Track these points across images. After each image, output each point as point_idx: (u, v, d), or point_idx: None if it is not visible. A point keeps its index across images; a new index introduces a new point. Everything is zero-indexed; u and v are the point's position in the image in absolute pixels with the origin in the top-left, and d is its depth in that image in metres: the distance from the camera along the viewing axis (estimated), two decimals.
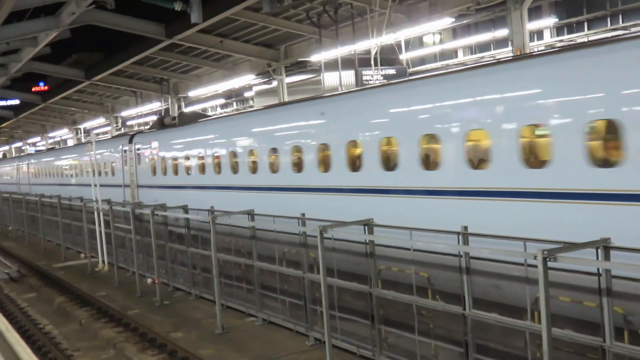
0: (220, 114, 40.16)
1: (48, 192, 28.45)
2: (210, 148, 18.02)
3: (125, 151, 24.43)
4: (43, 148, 57.93)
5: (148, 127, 29.45)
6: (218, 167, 17.51)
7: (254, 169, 15.67)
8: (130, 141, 24.01)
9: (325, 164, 13.25)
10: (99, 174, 26.04)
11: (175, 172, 20.16)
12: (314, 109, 14.16)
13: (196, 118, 21.65)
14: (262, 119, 16.51)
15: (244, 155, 16.19)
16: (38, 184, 37.71)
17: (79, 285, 18.35)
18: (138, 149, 23.28)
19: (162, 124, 23.40)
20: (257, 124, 16.48)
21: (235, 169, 16.61)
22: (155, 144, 22.00)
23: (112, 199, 20.27)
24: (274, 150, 14.85)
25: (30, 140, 67.66)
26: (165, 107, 35.47)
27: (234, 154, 16.70)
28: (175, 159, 20.30)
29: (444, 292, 9.59)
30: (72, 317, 15.76)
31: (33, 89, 44.59)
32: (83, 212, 21.65)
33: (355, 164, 12.40)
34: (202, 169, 18.32)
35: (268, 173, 15.03)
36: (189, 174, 19.19)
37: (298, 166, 14.07)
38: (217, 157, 17.55)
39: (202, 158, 18.39)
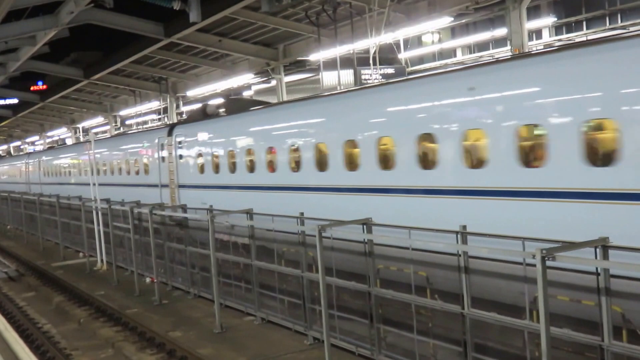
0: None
1: (62, 192, 26.29)
2: (290, 138, 14.30)
3: (162, 145, 20.72)
4: (56, 145, 56.18)
5: (185, 118, 26.06)
6: (296, 163, 13.97)
7: (357, 163, 12.18)
8: (170, 133, 20.25)
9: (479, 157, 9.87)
10: (128, 172, 23.97)
11: (233, 170, 16.54)
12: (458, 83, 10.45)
13: (248, 105, 18.78)
14: (371, 99, 12.48)
15: (338, 146, 12.53)
16: (50, 183, 34.82)
17: (77, 285, 18.33)
18: (180, 143, 19.61)
19: (205, 113, 20.24)
20: (363, 106, 12.54)
21: (324, 164, 13.04)
22: (203, 135, 18.34)
23: (147, 201, 17.92)
24: (386, 140, 11.45)
25: (28, 140, 67.62)
26: (164, 105, 35.50)
27: (319, 150, 13.20)
28: (233, 154, 16.57)
29: (442, 291, 9.58)
30: (71, 316, 15.74)
31: (31, 88, 44.64)
32: (82, 212, 21.62)
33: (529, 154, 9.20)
34: (272, 165, 14.85)
35: (382, 170, 11.46)
36: (252, 171, 15.65)
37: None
38: (296, 150, 13.89)
39: (272, 151, 14.84)
